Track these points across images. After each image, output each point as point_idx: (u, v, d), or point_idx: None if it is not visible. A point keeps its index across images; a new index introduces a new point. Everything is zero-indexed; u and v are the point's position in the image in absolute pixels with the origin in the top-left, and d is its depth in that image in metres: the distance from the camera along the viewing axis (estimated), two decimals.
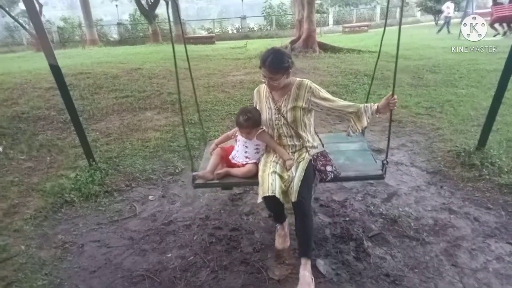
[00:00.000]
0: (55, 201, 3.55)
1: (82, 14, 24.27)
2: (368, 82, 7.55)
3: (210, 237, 2.99)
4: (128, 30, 27.64)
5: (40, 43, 3.46)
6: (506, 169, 3.63)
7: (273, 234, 2.97)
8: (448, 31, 18.48)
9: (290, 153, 2.64)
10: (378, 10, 29.72)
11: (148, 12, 22.39)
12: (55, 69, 3.53)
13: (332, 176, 2.59)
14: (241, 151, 2.76)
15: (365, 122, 2.50)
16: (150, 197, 3.66)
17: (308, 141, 2.66)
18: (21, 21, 22.25)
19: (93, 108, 6.36)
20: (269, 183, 2.37)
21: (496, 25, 15.71)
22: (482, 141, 3.97)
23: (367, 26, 25.33)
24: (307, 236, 2.41)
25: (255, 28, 27.83)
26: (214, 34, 24.84)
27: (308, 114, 2.62)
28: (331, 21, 29.21)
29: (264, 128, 2.72)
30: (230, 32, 27.97)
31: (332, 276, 2.49)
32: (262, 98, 2.71)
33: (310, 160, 2.58)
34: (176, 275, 2.57)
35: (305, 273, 2.35)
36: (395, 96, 2.41)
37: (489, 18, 16.67)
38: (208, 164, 2.80)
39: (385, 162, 2.68)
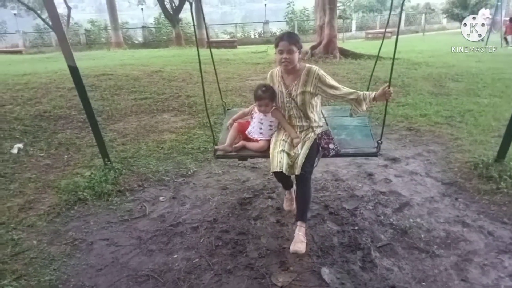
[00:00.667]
0: (68, 198, 3.63)
1: (109, 17, 24.94)
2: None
3: (216, 240, 3.00)
4: (152, 33, 28.21)
5: (60, 45, 3.55)
6: None
7: (279, 240, 2.97)
8: (485, 43, 16.37)
9: (298, 132, 2.98)
10: (403, 16, 29.26)
11: (172, 16, 22.80)
12: (74, 71, 3.63)
13: (334, 153, 2.99)
14: (257, 127, 3.09)
15: (364, 107, 2.89)
16: (160, 198, 3.71)
17: (315, 121, 3.00)
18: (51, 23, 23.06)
19: (112, 109, 6.51)
20: (278, 160, 2.78)
21: (509, 37, 15.71)
22: (502, 153, 3.84)
23: (390, 32, 24.98)
24: (305, 203, 2.85)
25: (277, 33, 27.88)
26: (236, 39, 25.01)
27: (315, 97, 2.96)
28: (354, 27, 28.98)
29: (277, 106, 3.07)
30: (252, 36, 28.14)
31: (336, 285, 2.44)
32: (274, 82, 3.04)
33: (315, 139, 2.93)
34: (180, 276, 2.58)
35: (299, 233, 2.76)
36: (391, 89, 2.74)
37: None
38: (226, 135, 3.20)
39: (379, 142, 3.00)
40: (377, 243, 2.87)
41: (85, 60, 13.06)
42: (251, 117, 3.24)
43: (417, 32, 27.71)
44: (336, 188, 3.77)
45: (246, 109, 3.37)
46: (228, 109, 3.82)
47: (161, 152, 4.75)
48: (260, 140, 3.06)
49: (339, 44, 13.85)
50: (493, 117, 5.49)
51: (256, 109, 3.13)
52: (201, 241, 3.00)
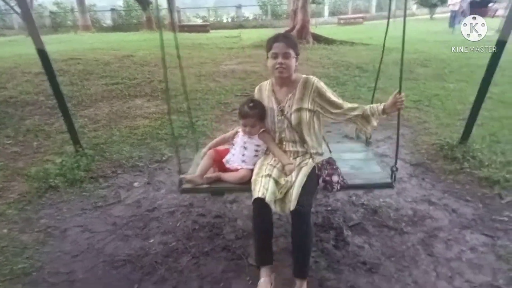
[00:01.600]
0: (39, 186, 3.55)
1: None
2: (359, 74, 7.59)
3: (193, 224, 3.02)
4: (122, 16, 27.33)
5: (27, 27, 3.41)
6: (486, 163, 3.69)
7: None
8: (453, 29, 17.08)
9: (292, 159, 2.42)
10: (373, 2, 29.64)
11: None
12: (43, 54, 3.51)
13: (339, 188, 2.34)
14: (239, 153, 2.52)
15: (374, 123, 2.39)
16: (135, 184, 3.68)
17: (313, 147, 2.45)
18: (12, 4, 21.88)
19: (82, 94, 6.34)
20: (261, 185, 2.15)
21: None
22: (466, 135, 4.03)
23: (362, 18, 25.29)
24: (305, 252, 2.12)
25: (250, 18, 27.63)
26: (208, 23, 24.63)
27: (315, 116, 2.41)
28: (326, 13, 29.11)
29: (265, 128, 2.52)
30: (225, 21, 27.77)
31: (310, 263, 2.53)
32: (263, 97, 2.50)
33: (314, 167, 2.36)
34: (157, 260, 2.60)
35: None
36: (402, 94, 2.26)
37: (484, 16, 16.93)
38: (198, 168, 2.58)
39: (394, 169, 2.48)
40: (349, 223, 2.98)
41: (52, 44, 12.51)
42: (232, 144, 2.65)
43: (388, 18, 28.07)
44: None
45: (227, 134, 2.74)
46: (201, 146, 3.15)
47: (134, 138, 4.69)
48: (241, 169, 2.47)
49: (312, 29, 13.91)
50: (458, 101, 5.71)
51: (239, 132, 2.60)
52: (177, 225, 3.02)
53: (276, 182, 2.22)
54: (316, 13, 26.53)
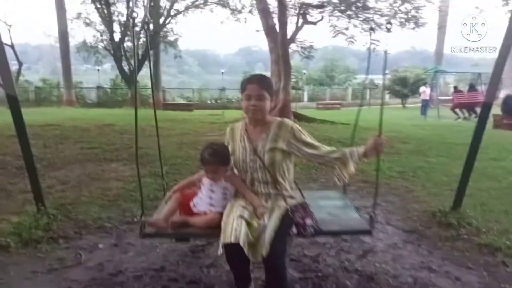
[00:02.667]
0: None
1: (62, 76, 24.47)
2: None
3: None
4: (107, 94, 27.87)
5: None
6: (484, 230, 3.48)
7: None
8: (425, 116, 17.76)
9: (263, 201, 2.29)
10: (350, 91, 31.56)
11: (129, 77, 22.88)
12: (12, 101, 3.29)
13: (312, 231, 2.20)
14: (206, 197, 2.37)
15: (352, 168, 2.25)
16: (100, 245, 3.25)
17: (286, 190, 2.33)
18: None
19: (54, 156, 6.01)
20: (233, 228, 2.01)
21: (457, 110, 16.96)
22: (457, 202, 3.86)
23: (340, 104, 26.61)
24: None
25: (234, 100, 28.66)
26: (192, 103, 25.36)
27: (288, 159, 2.35)
28: (306, 98, 30.60)
29: (235, 171, 2.42)
30: (209, 102, 28.66)
31: None
32: (236, 136, 2.42)
33: (287, 210, 2.22)
34: None
35: None
36: (383, 136, 2.23)
37: (451, 104, 18.02)
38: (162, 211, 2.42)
39: (372, 214, 2.40)
40: None
41: (31, 115, 12.41)
42: (199, 187, 2.47)
43: (363, 105, 29.70)
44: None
45: (194, 176, 2.58)
46: (169, 188, 2.80)
47: (105, 199, 4.31)
48: (209, 212, 2.33)
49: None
50: (442, 173, 5.66)
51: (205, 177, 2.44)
52: None
53: (249, 224, 2.07)
54: (296, 98, 27.86)
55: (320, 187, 5.02)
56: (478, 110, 16.03)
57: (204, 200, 2.37)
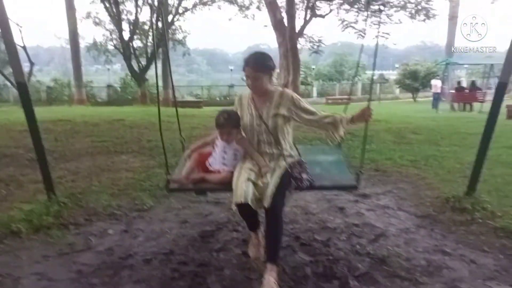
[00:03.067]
0: None
1: (73, 76, 24.67)
2: (351, 139, 7.49)
3: (172, 272, 2.58)
4: (117, 92, 28.04)
5: (8, 58, 3.25)
6: (499, 214, 3.39)
7: (246, 271, 2.60)
8: (436, 109, 17.29)
9: (267, 161, 2.61)
10: (359, 85, 31.22)
11: (139, 75, 22.97)
12: (22, 87, 3.32)
13: (308, 184, 2.59)
14: (219, 157, 2.70)
15: (341, 132, 2.65)
16: (109, 231, 3.25)
17: (286, 149, 2.67)
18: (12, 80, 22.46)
19: (65, 149, 6.05)
20: (243, 190, 2.36)
21: (455, 104, 17.12)
22: (472, 186, 3.77)
23: (349, 99, 26.36)
24: (276, 242, 2.43)
25: (236, 97, 28.61)
26: (201, 100, 25.37)
27: (288, 123, 2.66)
28: (315, 93, 30.40)
29: (243, 134, 2.71)
30: (218, 99, 28.66)
31: None
32: (244, 104, 2.72)
33: (287, 168, 2.56)
34: None
35: (270, 278, 2.28)
36: (371, 108, 2.53)
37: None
38: (183, 168, 2.78)
39: (359, 172, 2.68)
40: (355, 272, 2.57)
41: (42, 113, 12.55)
42: (214, 147, 2.79)
43: (373, 100, 29.40)
44: (307, 220, 3.49)
45: (208, 138, 2.91)
46: (187, 145, 3.29)
47: (115, 189, 4.32)
48: (223, 171, 2.65)
49: None
50: (455, 161, 5.55)
51: (219, 137, 2.74)
52: (154, 274, 2.57)
53: (255, 184, 2.45)
54: (305, 93, 27.70)
55: None
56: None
57: (218, 160, 2.70)
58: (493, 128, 3.58)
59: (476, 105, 17.21)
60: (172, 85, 3.64)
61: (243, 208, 2.40)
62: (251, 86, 2.59)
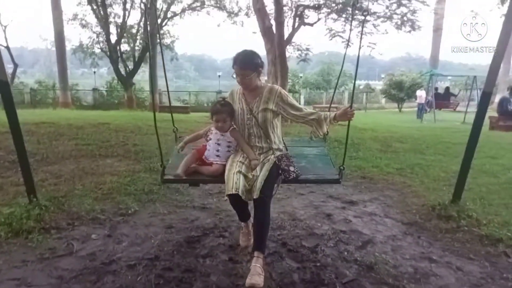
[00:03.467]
0: None
1: (58, 78, 24.26)
2: (338, 146, 7.53)
3: (157, 278, 2.52)
4: (103, 96, 27.69)
5: None
6: (484, 221, 3.43)
7: (232, 278, 2.56)
8: (421, 119, 17.89)
9: (257, 154, 2.76)
10: (346, 94, 31.55)
11: (126, 79, 22.74)
12: (4, 87, 3.22)
13: (294, 176, 2.71)
14: (213, 149, 2.81)
15: (325, 129, 2.78)
16: (93, 236, 3.17)
17: (275, 143, 2.83)
18: None
19: (48, 152, 5.89)
20: (234, 181, 2.50)
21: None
22: (457, 194, 3.82)
23: (336, 108, 26.59)
24: (263, 231, 2.57)
25: (228, 92, 28.58)
26: (189, 105, 25.26)
27: (277, 117, 2.81)
28: (302, 101, 30.55)
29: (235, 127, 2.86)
30: (205, 105, 28.55)
31: None
32: (235, 99, 2.84)
33: (275, 161, 2.72)
34: None
35: (256, 265, 2.44)
36: (353, 109, 2.66)
37: (447, 108, 18.31)
38: (177, 160, 2.90)
39: (342, 168, 2.77)
40: (342, 279, 2.56)
41: (25, 115, 12.27)
42: (207, 140, 2.91)
43: (359, 109, 29.74)
44: (294, 227, 3.47)
45: (201, 131, 3.03)
46: (179, 137, 3.49)
47: (99, 193, 4.22)
48: (215, 163, 2.77)
49: None
50: (440, 170, 5.62)
51: (212, 129, 2.85)
52: (138, 279, 2.51)
53: (245, 176, 2.60)
54: None
55: None
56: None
57: (212, 151, 2.81)
58: (478, 136, 3.64)
59: (457, 115, 17.68)
60: (166, 80, 3.69)
61: (234, 199, 2.56)
62: (241, 83, 2.70)
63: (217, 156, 2.79)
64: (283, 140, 2.98)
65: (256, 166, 2.66)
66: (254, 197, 2.51)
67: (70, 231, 3.25)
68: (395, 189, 4.68)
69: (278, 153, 2.80)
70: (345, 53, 3.51)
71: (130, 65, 22.99)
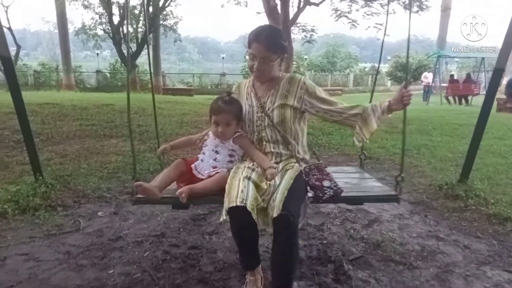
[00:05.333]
0: None
1: (61, 60, 24.17)
2: (344, 127, 7.48)
3: (164, 254, 2.53)
4: (107, 78, 27.60)
5: None
6: (492, 201, 3.40)
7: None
8: (427, 101, 17.78)
9: (273, 163, 2.03)
10: (351, 77, 31.28)
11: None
12: (7, 63, 3.18)
13: (331, 194, 1.91)
14: (209, 158, 2.07)
15: (374, 125, 1.99)
16: (99, 213, 3.18)
17: (299, 152, 2.10)
18: None
19: (53, 132, 5.89)
20: (239, 190, 1.73)
21: (450, 98, 17.09)
22: (465, 173, 3.78)
23: (341, 90, 26.40)
24: (288, 268, 1.75)
25: (234, 85, 28.37)
26: (192, 87, 25.12)
27: (301, 118, 2.11)
28: None
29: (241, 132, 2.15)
30: (209, 87, 28.41)
31: None
32: (242, 93, 2.17)
33: (301, 171, 2.00)
34: None
35: None
36: (409, 88, 1.96)
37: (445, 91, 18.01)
38: (158, 176, 2.18)
39: (399, 179, 2.09)
40: (349, 256, 2.54)
41: (29, 97, 12.26)
42: (201, 147, 2.20)
43: (364, 92, 29.50)
44: None
45: (195, 136, 2.31)
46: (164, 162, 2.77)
47: (104, 172, 4.22)
48: (216, 172, 2.02)
49: None
50: (447, 150, 5.57)
51: (210, 134, 2.17)
52: (144, 255, 2.51)
53: (257, 186, 1.83)
54: None
55: None
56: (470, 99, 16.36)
57: (207, 161, 2.07)
58: (488, 115, 3.57)
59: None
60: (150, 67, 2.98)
61: (239, 217, 1.70)
62: (257, 68, 1.97)
63: (214, 168, 2.05)
64: (311, 149, 2.31)
65: (273, 177, 1.89)
66: (274, 215, 1.68)
67: (77, 209, 3.26)
68: None
69: (303, 164, 2.11)
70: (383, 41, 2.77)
71: (133, 47, 22.79)
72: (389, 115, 2.04)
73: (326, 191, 1.91)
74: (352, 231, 2.94)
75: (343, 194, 1.98)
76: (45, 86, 25.41)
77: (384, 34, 2.77)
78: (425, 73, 21.26)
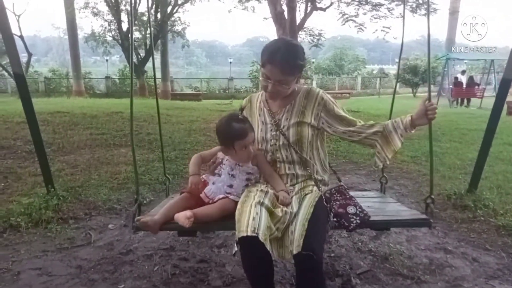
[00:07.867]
0: None
1: (71, 66, 24.52)
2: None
3: (173, 268, 2.56)
4: (116, 84, 27.91)
5: (6, 49, 3.20)
6: (501, 211, 3.38)
7: None
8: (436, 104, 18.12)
9: (289, 185, 1.89)
10: (359, 80, 31.15)
11: (138, 67, 22.81)
12: (20, 79, 3.26)
13: (358, 222, 1.79)
14: (223, 182, 1.93)
15: (398, 143, 1.85)
16: (110, 226, 3.23)
17: (317, 172, 1.96)
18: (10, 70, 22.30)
19: (64, 141, 5.99)
20: (250, 217, 1.57)
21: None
22: (474, 183, 3.76)
23: (349, 93, 26.35)
24: None
25: (242, 89, 28.50)
26: (200, 92, 25.26)
27: (319, 135, 1.98)
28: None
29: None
30: (217, 92, 28.54)
31: None
32: (254, 109, 2.02)
33: (321, 196, 1.84)
34: None
35: None
36: (433, 101, 1.86)
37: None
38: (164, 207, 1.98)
39: (429, 200, 1.96)
40: (357, 270, 2.56)
41: (40, 104, 12.45)
42: (213, 173, 2.03)
43: (372, 94, 29.38)
44: None
45: (204, 153, 2.14)
46: (173, 193, 2.68)
47: (114, 182, 4.29)
48: (224, 198, 1.87)
49: None
50: (456, 157, 5.54)
51: (223, 160, 1.99)
52: (154, 269, 2.56)
53: (271, 213, 1.66)
54: None
55: None
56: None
57: (221, 186, 1.92)
58: (496, 125, 3.56)
59: (474, 100, 17.28)
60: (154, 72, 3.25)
61: (251, 249, 1.56)
62: (271, 90, 1.82)
63: (228, 194, 1.90)
64: (331, 168, 2.12)
65: (284, 203, 1.76)
66: (294, 252, 1.55)
67: (88, 221, 3.32)
68: (410, 178, 4.64)
69: (323, 187, 1.96)
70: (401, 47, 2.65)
71: (142, 53, 23.02)
72: (413, 131, 1.92)
73: (352, 220, 1.80)
74: (359, 243, 2.95)
75: (369, 217, 1.87)
76: (55, 93, 25.81)
77: (402, 43, 2.73)
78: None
